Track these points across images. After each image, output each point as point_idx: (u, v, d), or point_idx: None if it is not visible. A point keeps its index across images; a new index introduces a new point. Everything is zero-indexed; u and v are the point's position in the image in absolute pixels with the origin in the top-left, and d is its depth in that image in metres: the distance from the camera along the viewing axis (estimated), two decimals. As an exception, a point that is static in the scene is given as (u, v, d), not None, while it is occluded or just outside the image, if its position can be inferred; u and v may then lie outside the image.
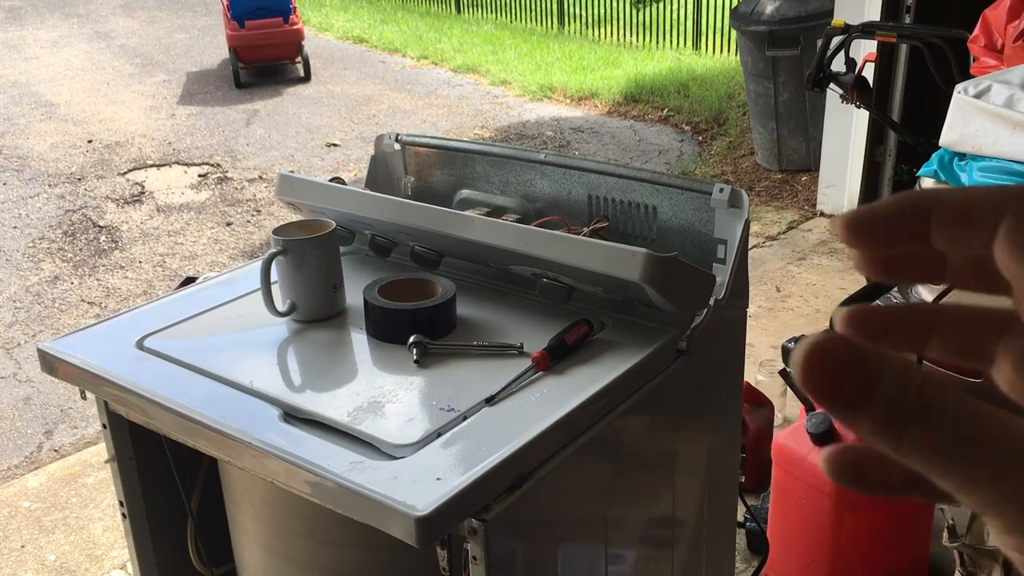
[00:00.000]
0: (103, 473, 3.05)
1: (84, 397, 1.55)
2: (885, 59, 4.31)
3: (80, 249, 5.02)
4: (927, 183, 2.41)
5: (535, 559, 1.26)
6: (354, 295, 1.55)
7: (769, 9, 5.09)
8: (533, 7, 10.04)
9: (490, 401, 1.27)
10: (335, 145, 6.63)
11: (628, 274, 1.32)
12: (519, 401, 1.27)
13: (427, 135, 1.92)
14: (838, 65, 3.42)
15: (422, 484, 1.10)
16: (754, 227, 4.76)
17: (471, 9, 10.80)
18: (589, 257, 1.37)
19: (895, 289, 2.72)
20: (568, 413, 1.24)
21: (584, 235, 1.58)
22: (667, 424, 1.50)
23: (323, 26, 10.49)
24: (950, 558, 2.18)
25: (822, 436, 2.10)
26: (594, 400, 1.28)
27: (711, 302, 1.44)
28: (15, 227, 5.32)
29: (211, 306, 1.59)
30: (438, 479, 1.11)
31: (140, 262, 4.86)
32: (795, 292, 4.08)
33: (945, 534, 2.15)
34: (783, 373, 2.71)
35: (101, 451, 3.08)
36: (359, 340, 1.48)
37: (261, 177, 6.01)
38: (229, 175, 6.06)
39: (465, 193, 1.86)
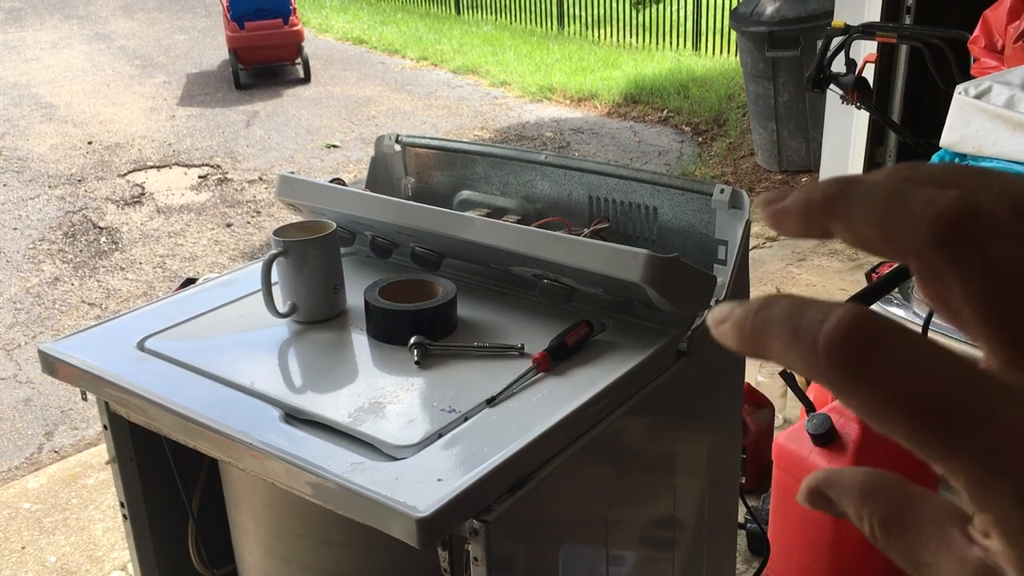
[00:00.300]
0: (103, 474, 3.05)
1: (85, 398, 1.55)
2: (885, 60, 4.31)
3: (80, 250, 5.02)
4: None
5: (536, 560, 1.26)
6: (355, 296, 1.55)
7: (769, 10, 5.09)
8: (533, 8, 10.05)
9: (491, 402, 1.27)
10: (335, 146, 6.63)
11: (629, 275, 1.32)
12: (520, 402, 1.27)
13: (427, 136, 1.92)
14: (838, 66, 3.42)
15: (423, 485, 1.10)
16: (754, 228, 4.75)
17: (471, 10, 10.80)
18: (590, 258, 1.37)
19: (896, 290, 2.72)
20: (569, 414, 1.24)
21: (585, 236, 1.58)
22: (668, 425, 1.50)
23: (323, 27, 10.50)
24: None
25: (822, 437, 2.10)
26: (595, 401, 1.28)
27: (712, 303, 1.44)
28: (15, 228, 5.32)
29: (212, 307, 1.59)
30: (439, 480, 1.11)
31: (140, 263, 4.86)
32: (795, 293, 4.07)
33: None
34: (784, 374, 2.71)
35: (101, 452, 3.08)
36: (360, 341, 1.48)
37: (261, 178, 6.01)
38: (229, 176, 6.06)
39: (465, 194, 1.86)
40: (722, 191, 1.53)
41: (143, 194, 5.80)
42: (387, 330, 1.45)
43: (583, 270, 1.39)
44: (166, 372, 1.40)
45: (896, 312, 2.40)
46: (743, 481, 2.58)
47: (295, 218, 1.70)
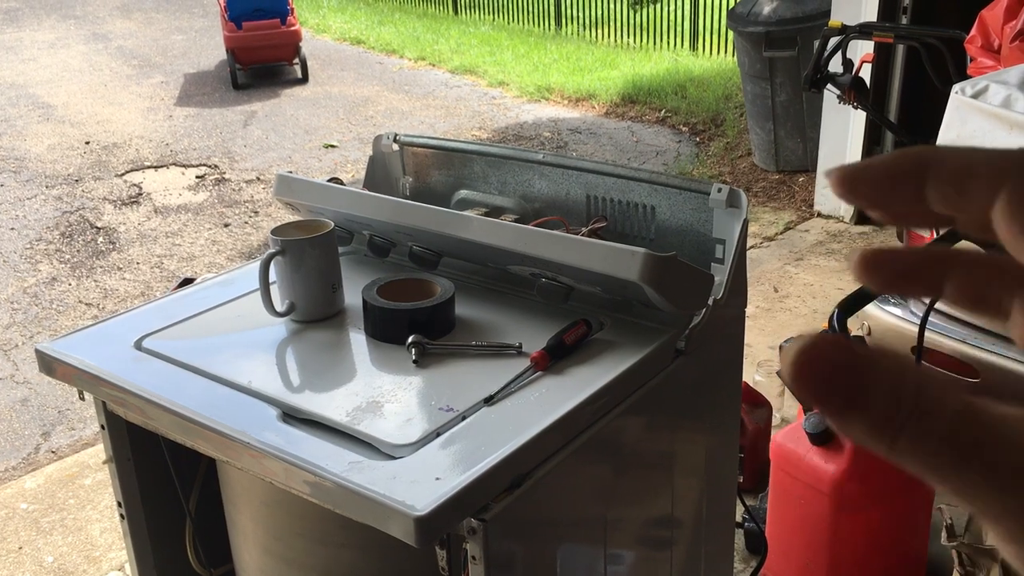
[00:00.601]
0: (101, 474, 3.05)
1: (82, 398, 1.55)
2: (882, 60, 4.31)
3: (78, 250, 5.01)
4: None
5: (534, 559, 1.26)
6: (353, 295, 1.55)
7: (766, 10, 5.10)
8: (530, 8, 10.05)
9: (489, 401, 1.27)
10: (333, 146, 6.63)
11: (627, 274, 1.32)
12: (518, 401, 1.27)
13: (425, 136, 1.92)
14: (835, 66, 3.42)
15: (421, 484, 1.10)
16: (752, 228, 4.76)
17: (468, 10, 10.80)
18: (588, 257, 1.37)
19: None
20: (567, 413, 1.24)
21: (582, 235, 1.58)
22: (666, 424, 1.50)
23: (320, 27, 10.49)
24: (948, 557, 2.18)
25: (820, 436, 2.10)
26: (593, 400, 1.28)
27: (710, 302, 1.44)
28: (12, 228, 5.31)
29: (209, 306, 1.59)
30: (437, 479, 1.11)
31: (138, 263, 4.85)
32: (793, 292, 4.08)
33: (944, 533, 2.15)
34: (781, 373, 2.71)
35: (99, 452, 3.08)
36: (358, 340, 1.48)
37: (259, 178, 6.00)
38: (227, 176, 6.06)
39: (463, 193, 1.86)
40: (719, 190, 1.53)
41: (140, 194, 5.79)
42: (385, 329, 1.45)
43: (581, 269, 1.39)
44: (163, 371, 1.40)
45: (893, 311, 2.40)
46: (741, 480, 2.58)
47: (293, 218, 1.70)
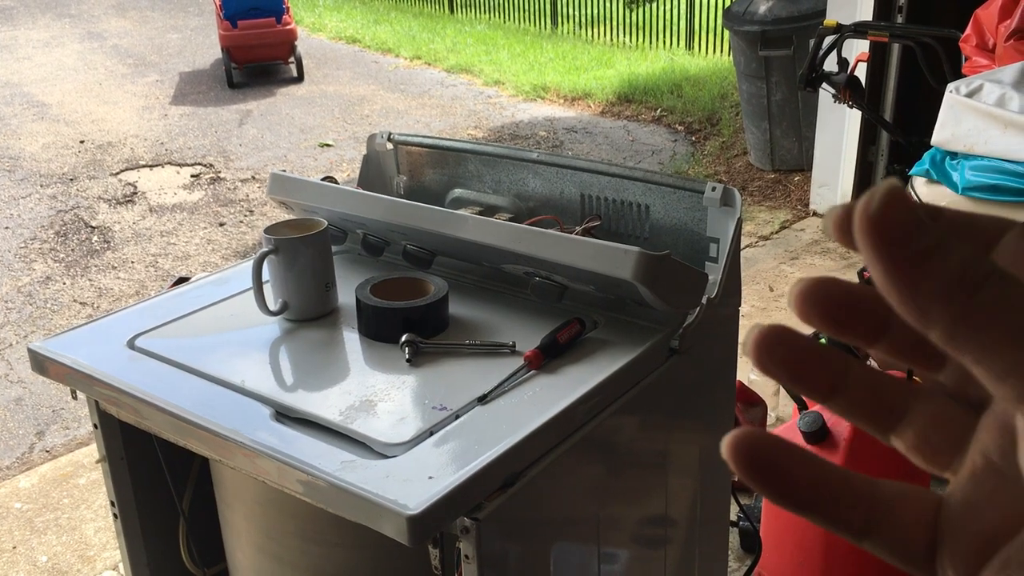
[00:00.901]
0: (95, 474, 3.04)
1: (75, 397, 1.55)
2: (877, 59, 4.32)
3: (72, 249, 5.00)
4: (919, 182, 2.42)
5: (527, 558, 1.26)
6: (346, 294, 1.55)
7: (762, 9, 5.10)
8: (526, 7, 10.04)
9: (482, 400, 1.26)
10: (328, 145, 6.62)
11: (621, 272, 1.32)
12: (511, 400, 1.27)
13: (419, 134, 1.92)
14: (830, 65, 3.42)
15: (414, 483, 1.10)
16: (747, 227, 4.76)
17: (464, 9, 10.80)
18: (582, 255, 1.37)
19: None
20: (560, 412, 1.24)
21: (577, 234, 1.58)
22: (660, 423, 1.50)
23: (316, 26, 10.48)
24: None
25: (815, 435, 2.10)
26: (586, 399, 1.28)
27: (704, 301, 1.44)
28: (6, 227, 5.30)
29: (203, 305, 1.59)
30: (430, 478, 1.11)
31: (132, 262, 4.84)
32: (788, 291, 4.08)
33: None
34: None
35: (93, 452, 3.07)
36: (351, 339, 1.48)
37: (254, 177, 6.00)
38: (222, 175, 6.05)
39: (458, 192, 1.86)
40: (714, 189, 1.53)
41: (135, 193, 5.78)
42: (378, 328, 1.45)
43: (575, 268, 1.38)
44: (157, 370, 1.39)
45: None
46: (735, 479, 2.58)
47: (287, 216, 1.70)
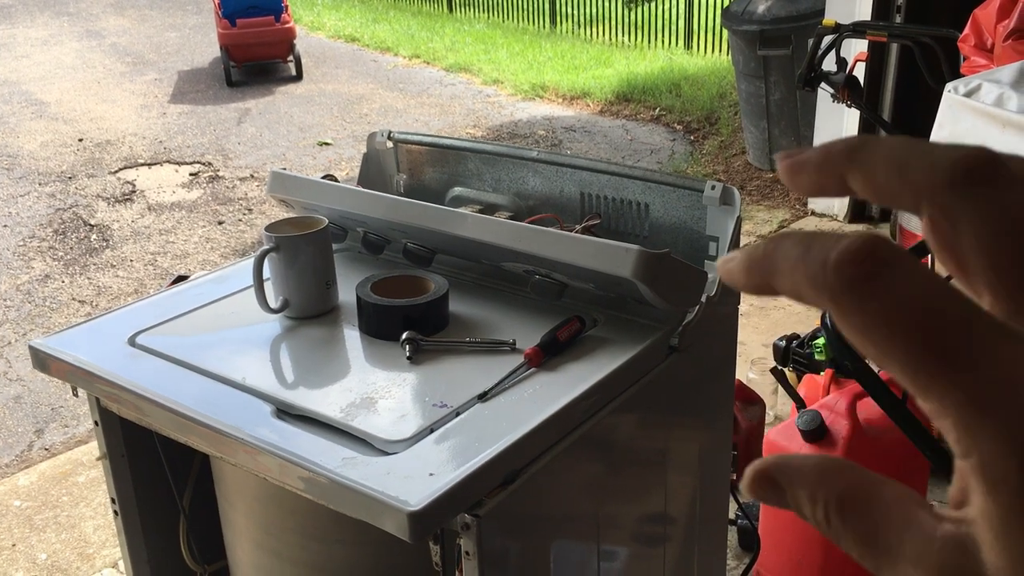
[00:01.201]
0: (94, 472, 3.05)
1: (76, 394, 1.55)
2: (876, 58, 4.32)
3: (71, 248, 5.00)
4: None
5: (528, 554, 1.27)
6: (347, 292, 1.55)
7: (760, 9, 5.10)
8: (525, 6, 10.04)
9: (483, 397, 1.27)
10: (327, 144, 6.62)
11: (620, 270, 1.33)
12: (511, 397, 1.28)
13: (419, 133, 1.92)
14: (829, 64, 3.43)
15: (415, 479, 1.10)
16: (746, 226, 4.77)
17: (463, 8, 10.80)
18: (581, 254, 1.37)
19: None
20: (560, 409, 1.25)
21: (576, 232, 1.58)
22: (659, 421, 1.50)
23: (315, 25, 10.48)
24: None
25: (813, 433, 2.11)
26: (586, 396, 1.29)
27: (703, 299, 1.45)
28: (5, 226, 5.30)
29: (203, 303, 1.59)
30: (431, 474, 1.11)
31: (131, 261, 4.85)
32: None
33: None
34: (775, 371, 2.72)
35: (92, 450, 3.07)
36: (352, 336, 1.48)
37: (253, 176, 6.00)
38: (221, 174, 6.05)
39: (457, 191, 1.86)
40: (713, 187, 1.54)
41: (134, 191, 5.78)
42: (379, 326, 1.45)
43: (575, 266, 1.39)
44: (157, 368, 1.40)
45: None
46: (734, 477, 2.59)
47: (287, 215, 1.70)
